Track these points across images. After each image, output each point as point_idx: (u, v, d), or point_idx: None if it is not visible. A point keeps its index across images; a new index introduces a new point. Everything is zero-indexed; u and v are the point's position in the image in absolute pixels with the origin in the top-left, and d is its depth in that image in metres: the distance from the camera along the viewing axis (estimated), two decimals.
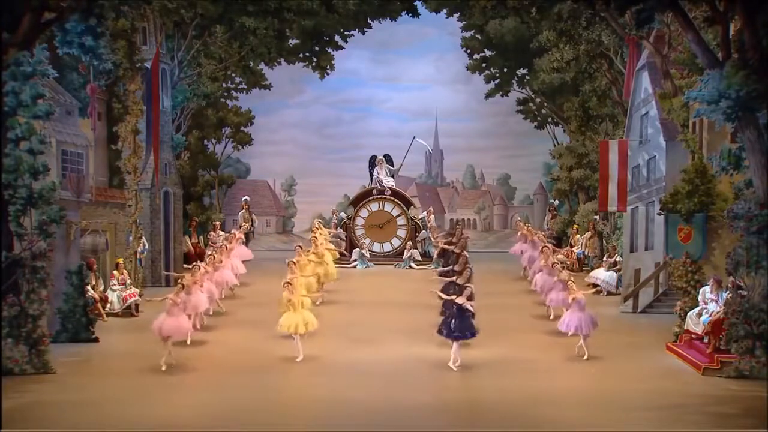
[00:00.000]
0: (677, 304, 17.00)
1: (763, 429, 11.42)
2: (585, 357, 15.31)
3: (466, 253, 18.57)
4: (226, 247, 20.02)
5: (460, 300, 14.72)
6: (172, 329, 14.53)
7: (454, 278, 16.58)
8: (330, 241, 22.27)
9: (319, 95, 31.13)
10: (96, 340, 16.64)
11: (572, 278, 16.46)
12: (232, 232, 22.12)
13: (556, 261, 18.23)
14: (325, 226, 23.31)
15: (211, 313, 17.74)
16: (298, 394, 13.54)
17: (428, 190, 32.52)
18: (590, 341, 15.51)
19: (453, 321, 14.69)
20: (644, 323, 18.68)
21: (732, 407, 12.58)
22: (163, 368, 14.31)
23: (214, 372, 14.58)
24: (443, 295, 15.59)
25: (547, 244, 19.94)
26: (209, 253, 19.43)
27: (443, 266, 19.31)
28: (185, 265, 18.17)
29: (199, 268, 17.13)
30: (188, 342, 15.63)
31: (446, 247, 19.81)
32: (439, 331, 15.03)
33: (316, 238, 20.60)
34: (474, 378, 14.29)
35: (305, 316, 15.18)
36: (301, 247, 19.54)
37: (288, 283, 15.39)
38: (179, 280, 15.64)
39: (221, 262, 18.97)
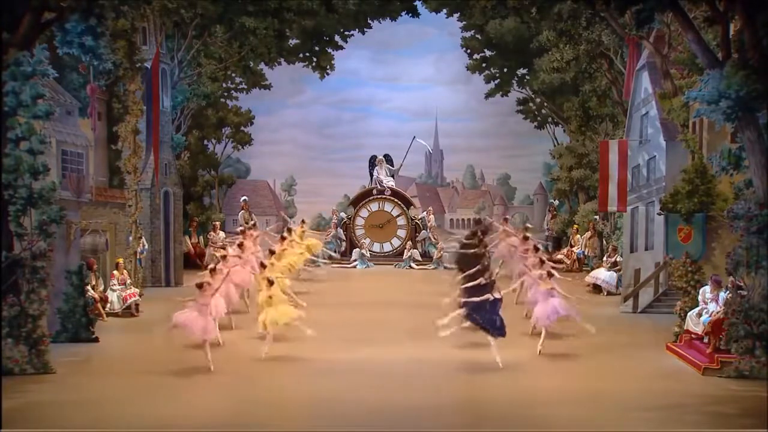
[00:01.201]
0: (677, 304, 16.98)
1: (763, 429, 11.41)
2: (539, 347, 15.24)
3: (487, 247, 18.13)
4: (243, 244, 19.72)
5: (498, 295, 14.58)
6: (204, 330, 14.40)
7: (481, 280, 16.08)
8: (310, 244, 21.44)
9: (319, 95, 31.17)
10: (96, 340, 16.63)
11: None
12: (249, 232, 21.69)
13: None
14: (304, 230, 22.36)
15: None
16: (297, 394, 13.53)
17: (428, 190, 32.55)
18: (591, 341, 15.48)
19: (496, 318, 14.48)
20: (644, 323, 18.67)
21: (732, 407, 12.57)
22: (211, 368, 14.26)
23: (214, 372, 14.56)
24: (475, 299, 14.79)
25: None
26: (220, 253, 18.78)
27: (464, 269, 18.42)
28: (218, 263, 17.65)
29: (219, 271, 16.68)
30: (220, 342, 15.60)
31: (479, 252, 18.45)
32: (482, 326, 14.59)
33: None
34: (474, 378, 14.29)
35: (281, 310, 15.15)
36: (271, 252, 18.93)
37: (269, 281, 15.35)
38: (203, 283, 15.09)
39: (240, 258, 18.78)
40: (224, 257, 17.57)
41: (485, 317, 14.59)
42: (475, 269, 16.26)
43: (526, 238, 18.80)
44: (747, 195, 14.81)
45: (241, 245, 18.93)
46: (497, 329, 14.52)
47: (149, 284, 22.06)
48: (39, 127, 14.86)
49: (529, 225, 22.94)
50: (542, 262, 16.60)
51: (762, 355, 14.23)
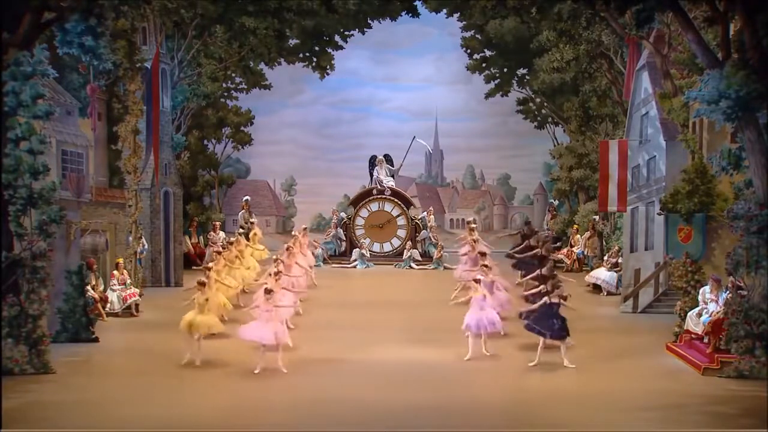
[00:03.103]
0: (677, 304, 16.99)
1: (763, 429, 11.41)
2: (473, 354, 15.09)
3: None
4: (291, 249, 19.76)
5: (555, 299, 14.78)
6: (272, 335, 14.31)
7: (544, 286, 16.03)
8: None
9: (319, 95, 31.17)
10: (96, 340, 16.63)
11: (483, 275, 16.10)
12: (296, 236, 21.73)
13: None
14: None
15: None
16: (297, 393, 13.52)
17: (428, 190, 32.55)
18: (591, 340, 15.48)
19: (555, 321, 14.66)
20: (644, 323, 18.67)
21: (732, 407, 12.57)
22: (256, 371, 14.14)
23: (215, 372, 14.57)
24: (533, 306, 15.25)
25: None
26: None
27: (523, 271, 18.89)
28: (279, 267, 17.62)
29: (279, 276, 16.48)
30: (290, 344, 15.23)
31: (543, 254, 18.45)
32: (539, 332, 14.78)
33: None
34: (474, 378, 14.29)
35: (211, 319, 14.95)
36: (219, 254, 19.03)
37: (201, 283, 15.13)
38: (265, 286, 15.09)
39: (289, 264, 18.92)
40: (276, 260, 17.90)
41: (543, 323, 14.78)
42: (536, 273, 16.87)
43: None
44: (747, 195, 14.81)
45: (288, 249, 19.44)
46: (556, 331, 14.67)
47: (149, 284, 22.05)
48: (39, 127, 14.86)
49: (472, 225, 22.90)
50: (485, 266, 16.95)
51: (762, 355, 14.23)
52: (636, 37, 21.06)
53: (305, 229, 22.58)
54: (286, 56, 29.80)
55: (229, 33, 27.66)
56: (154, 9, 21.94)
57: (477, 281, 15.76)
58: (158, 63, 22.32)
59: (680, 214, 17.84)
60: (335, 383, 13.84)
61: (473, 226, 22.17)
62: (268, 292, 14.60)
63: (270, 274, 16.67)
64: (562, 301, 14.82)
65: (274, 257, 18.54)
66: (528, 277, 17.55)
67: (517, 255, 19.08)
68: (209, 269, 16.68)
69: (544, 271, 16.95)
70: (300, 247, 20.92)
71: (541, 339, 14.73)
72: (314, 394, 13.37)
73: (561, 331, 14.67)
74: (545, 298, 14.91)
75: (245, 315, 17.65)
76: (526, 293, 16.72)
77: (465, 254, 20.61)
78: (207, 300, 14.98)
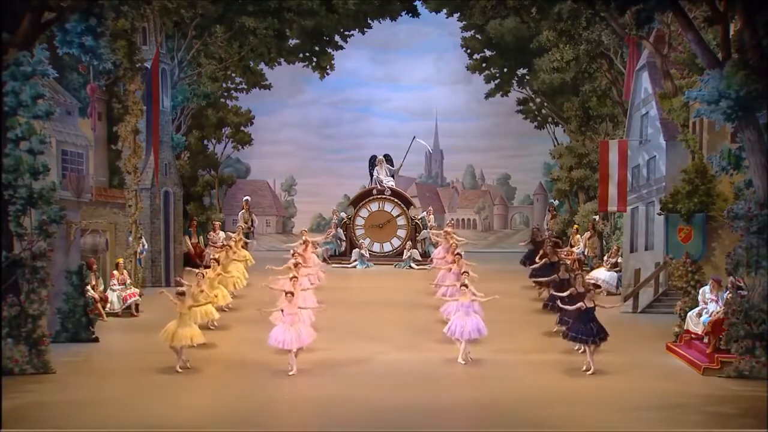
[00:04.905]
0: (677, 304, 17.01)
1: (763, 429, 11.42)
2: (464, 362, 14.98)
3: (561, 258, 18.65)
4: (299, 254, 19.74)
5: (590, 303, 14.73)
6: (297, 339, 14.34)
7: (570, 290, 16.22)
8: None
9: (319, 95, 31.17)
10: (96, 340, 16.65)
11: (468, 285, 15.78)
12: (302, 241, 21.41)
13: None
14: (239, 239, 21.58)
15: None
16: (297, 394, 13.54)
17: (428, 190, 32.54)
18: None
19: (593, 325, 14.59)
20: (644, 323, 18.68)
21: (732, 407, 12.58)
22: (291, 373, 14.14)
23: (214, 372, 14.59)
24: (569, 307, 15.26)
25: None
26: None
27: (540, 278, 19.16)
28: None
29: (297, 279, 16.41)
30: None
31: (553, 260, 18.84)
32: (582, 340, 14.72)
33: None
34: (474, 378, 14.30)
35: (194, 330, 14.75)
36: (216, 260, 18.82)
37: (181, 294, 14.99)
38: (284, 291, 15.08)
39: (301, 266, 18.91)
40: (296, 265, 17.79)
41: (582, 330, 14.70)
42: (550, 279, 17.42)
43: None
44: (747, 195, 14.83)
45: (294, 255, 19.34)
46: (594, 336, 14.57)
47: (149, 284, 22.03)
48: (39, 127, 14.88)
49: (447, 229, 22.96)
50: (465, 272, 16.87)
51: (762, 355, 14.24)
52: (636, 37, 21.06)
53: (304, 231, 22.76)
54: (286, 56, 29.80)
55: (229, 33, 27.67)
56: (154, 9, 21.94)
57: (465, 286, 15.62)
58: (158, 63, 22.31)
59: (680, 214, 17.85)
60: (335, 383, 13.85)
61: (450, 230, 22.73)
62: (288, 294, 14.62)
63: (291, 277, 16.58)
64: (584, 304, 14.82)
65: (290, 261, 18.55)
66: (546, 282, 18.23)
67: (540, 279, 19.26)
68: (204, 274, 16.97)
69: (560, 275, 17.30)
70: (313, 247, 21.24)
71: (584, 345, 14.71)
72: (313, 393, 13.39)
73: (600, 334, 14.56)
74: (580, 303, 14.81)
75: (235, 320, 17.81)
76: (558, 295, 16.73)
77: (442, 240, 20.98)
78: (189, 309, 14.86)
